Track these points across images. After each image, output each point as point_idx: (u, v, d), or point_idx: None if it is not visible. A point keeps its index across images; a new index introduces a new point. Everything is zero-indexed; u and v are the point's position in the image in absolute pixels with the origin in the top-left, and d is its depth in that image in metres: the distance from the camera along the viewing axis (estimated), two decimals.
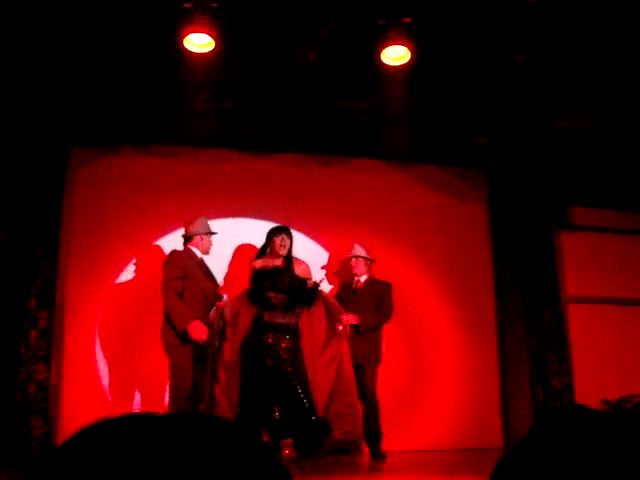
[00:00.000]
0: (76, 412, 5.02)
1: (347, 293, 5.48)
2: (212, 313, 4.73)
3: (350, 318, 5.07)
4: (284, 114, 5.60)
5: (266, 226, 5.26)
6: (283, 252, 4.91)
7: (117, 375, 5.35)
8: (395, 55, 4.68)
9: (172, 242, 5.64)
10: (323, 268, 5.80)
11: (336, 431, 4.67)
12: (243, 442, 0.58)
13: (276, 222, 5.35)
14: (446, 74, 5.12)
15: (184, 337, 4.37)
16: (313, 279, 4.98)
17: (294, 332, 4.79)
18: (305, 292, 4.92)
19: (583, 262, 5.85)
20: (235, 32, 4.61)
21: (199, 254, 4.77)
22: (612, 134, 5.62)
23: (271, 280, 4.83)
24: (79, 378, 5.29)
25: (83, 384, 5.24)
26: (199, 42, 4.52)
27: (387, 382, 5.74)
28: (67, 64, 4.84)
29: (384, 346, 5.38)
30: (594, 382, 5.45)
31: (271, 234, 5.00)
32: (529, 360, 5.57)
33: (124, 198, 5.68)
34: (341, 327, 5.03)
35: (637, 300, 5.87)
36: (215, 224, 5.60)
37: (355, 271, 5.47)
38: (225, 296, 4.97)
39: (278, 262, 4.92)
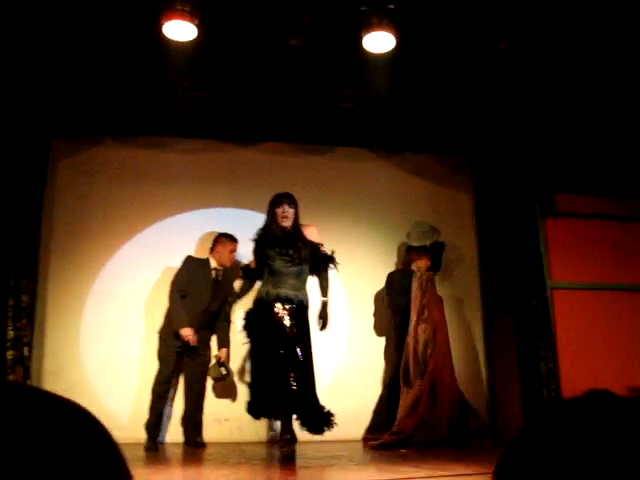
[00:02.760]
0: None
1: (415, 285, 5.36)
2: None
3: None
4: (268, 103, 5.55)
5: (250, 215, 5.23)
6: (287, 223, 4.32)
7: (101, 368, 5.33)
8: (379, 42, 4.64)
9: (156, 233, 5.61)
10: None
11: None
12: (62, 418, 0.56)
13: (260, 211, 5.32)
14: (430, 61, 5.09)
15: (177, 335, 4.86)
16: (324, 246, 4.42)
17: (304, 307, 4.22)
18: (321, 258, 4.37)
19: (568, 248, 5.87)
20: (217, 20, 4.55)
21: (214, 264, 5.10)
22: (596, 120, 5.62)
23: (280, 247, 4.25)
24: (63, 376, 5.27)
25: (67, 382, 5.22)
26: (180, 30, 4.45)
27: (372, 371, 5.77)
28: (45, 55, 4.76)
29: (369, 334, 5.41)
30: (579, 367, 5.49)
31: (271, 206, 4.43)
32: (515, 346, 5.59)
33: (106, 189, 5.65)
34: None
35: (620, 286, 5.90)
36: (199, 214, 5.58)
37: (419, 264, 5.44)
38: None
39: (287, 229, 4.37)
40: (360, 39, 4.56)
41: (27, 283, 5.02)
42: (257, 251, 4.35)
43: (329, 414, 4.01)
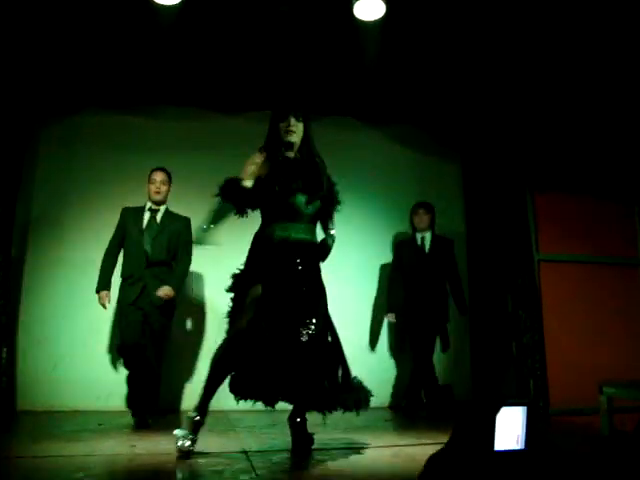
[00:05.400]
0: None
1: (413, 253, 5.34)
2: None
3: None
4: (256, 70, 5.47)
5: None
6: (293, 138, 3.36)
7: (88, 336, 5.33)
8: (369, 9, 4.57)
9: (139, 202, 5.56)
10: None
11: None
12: None
13: None
14: (420, 30, 5.02)
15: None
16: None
17: (317, 253, 3.36)
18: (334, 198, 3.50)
19: (556, 221, 5.89)
20: None
21: (149, 205, 4.68)
22: (586, 99, 5.59)
23: (302, 179, 3.32)
24: (50, 344, 5.28)
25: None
26: None
27: (357, 340, 5.81)
28: (26, 22, 4.63)
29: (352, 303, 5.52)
30: (564, 339, 5.55)
31: (273, 121, 3.42)
32: (501, 318, 5.63)
33: (90, 158, 5.62)
34: None
35: (607, 259, 5.95)
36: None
37: (421, 225, 5.38)
38: None
39: (291, 154, 3.38)
40: (351, 6, 4.49)
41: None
42: (274, 180, 3.24)
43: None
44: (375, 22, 4.63)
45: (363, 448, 3.49)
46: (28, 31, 4.75)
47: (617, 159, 6.04)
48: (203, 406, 3.25)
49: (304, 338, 3.11)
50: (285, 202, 3.26)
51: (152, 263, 4.50)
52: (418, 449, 3.38)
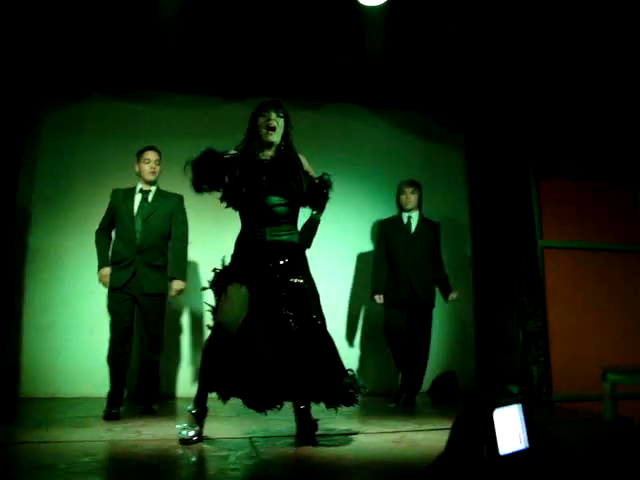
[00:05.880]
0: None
1: (399, 233, 5.17)
2: None
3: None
4: (258, 56, 5.44)
5: None
6: (274, 138, 3.27)
7: (92, 322, 5.33)
8: None
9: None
10: None
11: None
12: None
13: None
14: (425, 16, 4.98)
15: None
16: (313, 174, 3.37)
17: (304, 257, 3.31)
18: (318, 192, 3.27)
19: (561, 208, 5.86)
20: None
21: (140, 186, 4.48)
22: (593, 86, 5.55)
23: (272, 177, 3.20)
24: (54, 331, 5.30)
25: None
26: None
27: (354, 327, 5.81)
28: (31, 7, 4.61)
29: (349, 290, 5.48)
30: (568, 326, 5.55)
31: (252, 117, 3.34)
32: (504, 304, 5.62)
33: (92, 144, 5.61)
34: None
35: (611, 246, 5.93)
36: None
37: (408, 205, 5.18)
38: None
39: (269, 153, 3.31)
40: None
41: None
42: (235, 180, 3.18)
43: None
44: (379, 7, 4.60)
45: (366, 434, 3.51)
46: (35, 16, 4.72)
47: (622, 145, 6.00)
48: (200, 399, 3.28)
49: (293, 338, 3.14)
50: (258, 206, 3.20)
51: (143, 248, 4.34)
52: (421, 435, 3.39)
